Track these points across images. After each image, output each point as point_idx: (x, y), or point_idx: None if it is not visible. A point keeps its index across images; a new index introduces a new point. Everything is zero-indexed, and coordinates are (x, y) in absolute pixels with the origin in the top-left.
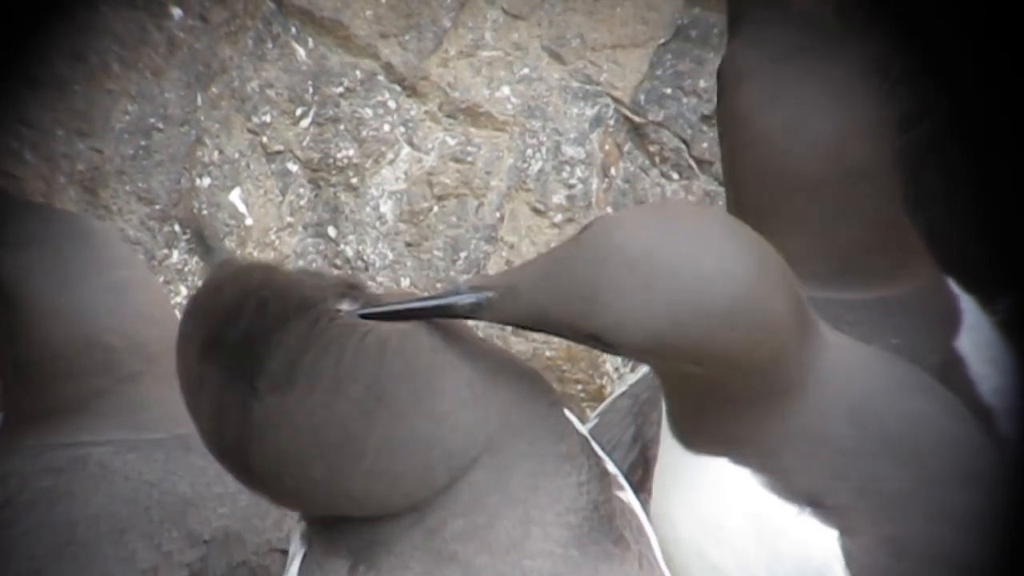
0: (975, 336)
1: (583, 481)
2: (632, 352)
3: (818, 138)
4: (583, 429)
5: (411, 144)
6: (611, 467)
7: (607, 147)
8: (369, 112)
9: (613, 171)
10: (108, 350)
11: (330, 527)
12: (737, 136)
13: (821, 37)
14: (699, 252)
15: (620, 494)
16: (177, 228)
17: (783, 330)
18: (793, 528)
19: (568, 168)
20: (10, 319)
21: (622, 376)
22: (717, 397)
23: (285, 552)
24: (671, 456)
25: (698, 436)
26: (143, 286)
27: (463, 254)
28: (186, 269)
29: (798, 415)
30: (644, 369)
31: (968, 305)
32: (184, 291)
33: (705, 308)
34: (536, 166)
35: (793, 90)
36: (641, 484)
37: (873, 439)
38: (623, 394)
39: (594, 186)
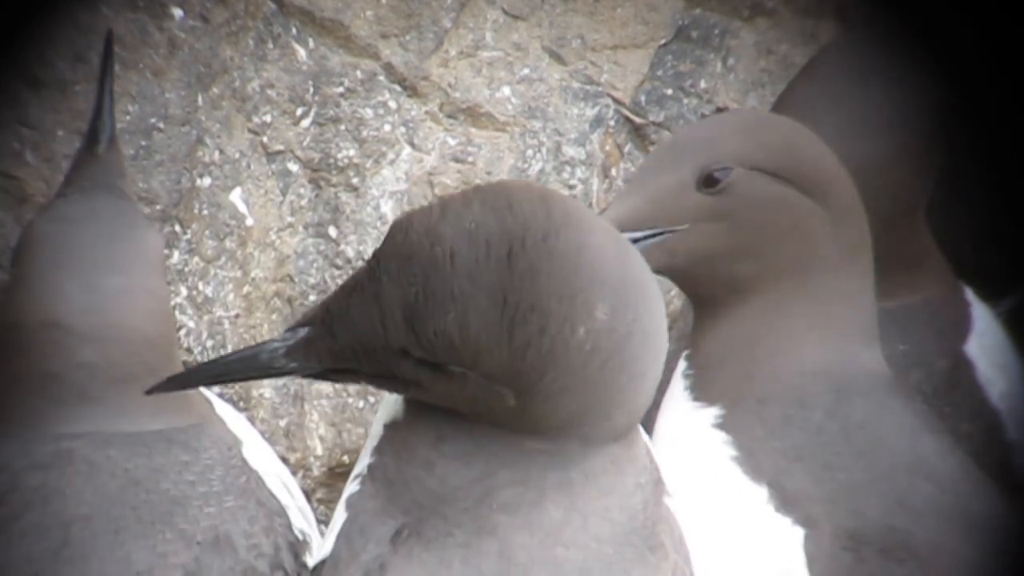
0: (984, 341)
1: (641, 483)
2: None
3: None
4: (644, 434)
5: (412, 144)
6: (663, 474)
7: (608, 148)
8: (370, 112)
9: (614, 172)
10: (63, 331)
11: (390, 486)
12: None
13: (881, 59)
14: None
15: (668, 501)
16: (178, 228)
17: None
18: (759, 522)
19: (569, 168)
20: (6, 284)
21: None
22: (745, 325)
23: (274, 556)
24: (672, 404)
25: (704, 383)
26: (131, 299)
27: None
28: (186, 269)
29: (790, 374)
30: None
31: (979, 311)
32: (184, 291)
33: None
34: (536, 166)
35: (827, 108)
36: None
37: (835, 425)
38: None
39: (595, 187)
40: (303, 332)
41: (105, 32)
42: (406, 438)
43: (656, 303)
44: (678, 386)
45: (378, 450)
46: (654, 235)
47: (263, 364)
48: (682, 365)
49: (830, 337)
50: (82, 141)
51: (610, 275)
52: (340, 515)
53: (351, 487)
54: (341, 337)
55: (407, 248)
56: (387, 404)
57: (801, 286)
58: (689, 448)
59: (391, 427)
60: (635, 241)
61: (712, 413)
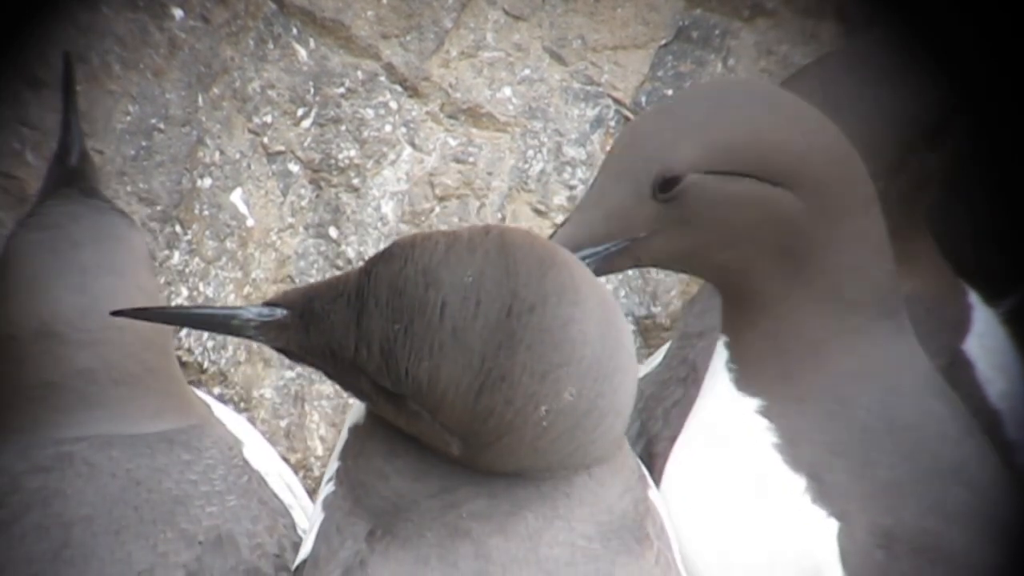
0: (984, 341)
1: (630, 486)
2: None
3: None
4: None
5: (412, 145)
6: (643, 468)
7: (608, 148)
8: (370, 113)
9: None
10: (59, 340)
11: (355, 489)
12: None
13: (881, 60)
14: None
15: (651, 494)
16: (178, 229)
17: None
18: (795, 512)
19: (569, 169)
20: None
21: None
22: (780, 318)
23: (278, 556)
24: (714, 390)
25: (748, 375)
26: (123, 298)
27: None
28: (187, 270)
29: (831, 373)
30: (648, 366)
31: (980, 312)
32: (185, 292)
33: None
34: (537, 167)
35: (825, 110)
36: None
37: (880, 424)
38: None
39: None
40: (280, 314)
41: (64, 55)
42: (364, 445)
43: (627, 376)
44: (722, 376)
45: (343, 454)
46: (611, 248)
47: (232, 328)
48: (724, 354)
49: (859, 329)
50: (52, 158)
51: (588, 353)
52: (317, 516)
53: (326, 488)
54: (314, 337)
55: (401, 281)
56: (355, 406)
57: (805, 272)
58: (730, 431)
59: (354, 431)
60: (592, 255)
61: (756, 402)
